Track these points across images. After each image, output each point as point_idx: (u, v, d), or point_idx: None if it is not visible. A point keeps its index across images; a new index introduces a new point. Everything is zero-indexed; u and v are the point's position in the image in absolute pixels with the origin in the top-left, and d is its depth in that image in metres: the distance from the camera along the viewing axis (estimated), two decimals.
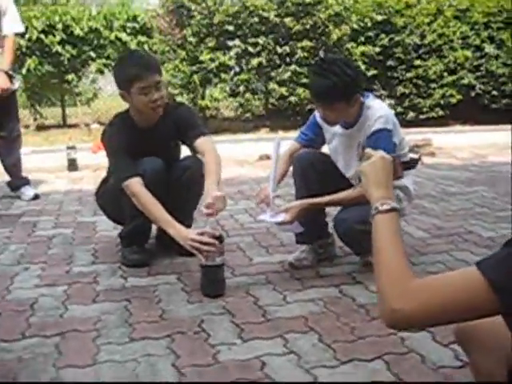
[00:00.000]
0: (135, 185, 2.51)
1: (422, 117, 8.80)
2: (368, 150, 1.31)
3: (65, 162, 5.82)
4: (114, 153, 2.64)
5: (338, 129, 2.60)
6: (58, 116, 9.28)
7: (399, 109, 8.69)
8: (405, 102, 8.70)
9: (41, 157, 6.29)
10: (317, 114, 2.68)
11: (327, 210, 2.80)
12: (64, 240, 3.26)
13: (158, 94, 2.58)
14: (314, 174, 2.62)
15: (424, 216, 3.58)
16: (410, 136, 5.39)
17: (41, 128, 8.81)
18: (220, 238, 2.29)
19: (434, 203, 3.94)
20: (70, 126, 8.71)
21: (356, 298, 2.28)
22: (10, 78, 4.18)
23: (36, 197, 4.43)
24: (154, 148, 2.70)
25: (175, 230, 2.39)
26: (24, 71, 8.18)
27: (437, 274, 1.06)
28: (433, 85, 8.72)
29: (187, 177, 2.73)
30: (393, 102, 8.63)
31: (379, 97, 8.42)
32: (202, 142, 2.66)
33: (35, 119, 8.96)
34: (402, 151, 2.58)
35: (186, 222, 2.70)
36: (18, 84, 4.33)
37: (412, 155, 5.98)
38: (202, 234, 2.28)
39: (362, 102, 2.48)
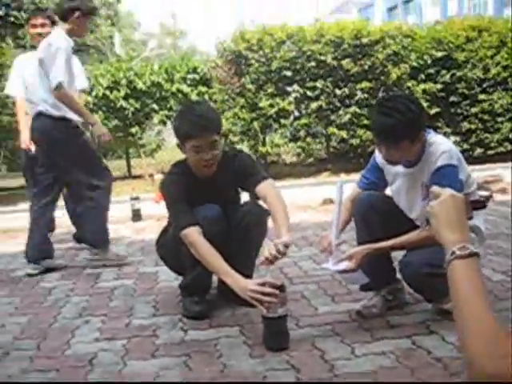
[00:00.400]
0: (193, 234, 2.45)
1: (489, 152, 8.45)
2: (435, 188, 1.20)
3: (129, 212, 5.91)
4: (172, 202, 2.61)
5: (399, 169, 2.47)
6: (124, 168, 9.54)
7: (465, 145, 8.39)
8: (471, 138, 8.40)
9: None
10: (377, 156, 2.56)
11: (394, 254, 2.64)
12: (125, 291, 3.23)
13: (211, 154, 2.53)
14: (376, 216, 2.48)
15: (500, 257, 3.33)
16: (479, 173, 5.15)
17: None
18: (282, 288, 2.17)
19: (508, 242, 3.67)
20: (135, 177, 8.92)
21: (431, 351, 2.09)
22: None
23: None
24: (213, 196, 2.65)
25: (234, 280, 2.30)
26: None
27: None
28: (500, 118, 8.39)
29: (246, 223, 2.65)
30: (458, 138, 8.35)
31: (444, 134, 8.17)
32: (263, 187, 2.59)
33: None
34: (470, 189, 2.41)
35: (247, 271, 2.61)
36: None
37: (482, 193, 5.68)
38: (262, 284, 2.17)
39: (424, 139, 2.36)
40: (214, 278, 2.84)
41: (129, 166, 9.15)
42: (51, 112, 3.72)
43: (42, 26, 4.27)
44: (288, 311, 2.30)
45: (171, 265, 2.91)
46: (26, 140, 4.39)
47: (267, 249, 2.22)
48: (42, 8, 5.09)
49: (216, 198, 2.64)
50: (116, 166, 9.85)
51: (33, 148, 4.29)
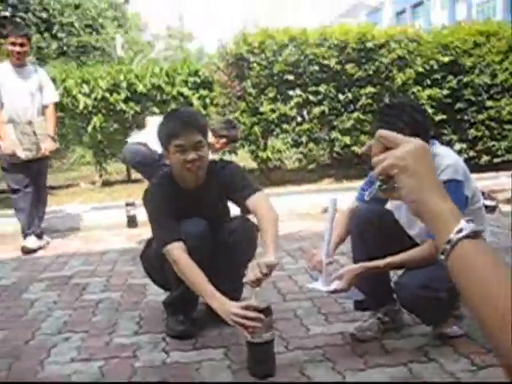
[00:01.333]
0: (176, 251, 2.29)
1: (496, 160, 8.24)
2: (385, 132, 0.85)
3: (125, 218, 5.76)
4: (155, 216, 2.46)
5: None
6: (123, 171, 9.39)
7: (472, 153, 8.19)
8: (477, 146, 8.19)
9: (102, 213, 6.27)
10: None
11: (392, 272, 2.48)
12: (110, 305, 3.08)
13: (195, 154, 2.39)
14: (373, 231, 2.32)
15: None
16: (485, 182, 4.97)
17: (106, 184, 8.92)
18: (267, 311, 2.01)
19: None
20: (134, 181, 8.77)
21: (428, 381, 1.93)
22: (54, 141, 4.98)
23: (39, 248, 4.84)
24: (200, 210, 2.49)
25: (217, 302, 2.14)
26: (90, 129, 8.35)
27: None
28: (507, 126, 8.18)
29: (234, 240, 2.49)
30: (464, 146, 8.15)
31: (449, 142, 7.98)
32: (254, 200, 2.42)
33: (101, 175, 9.09)
34: (476, 205, 2.24)
35: (234, 291, 2.46)
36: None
37: (488, 202, 5.50)
38: (246, 307, 2.01)
39: None
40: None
41: (128, 169, 8.99)
42: None
43: (21, 45, 4.70)
44: (276, 334, 2.14)
45: (156, 280, 2.76)
46: (9, 146, 4.72)
47: (250, 270, 2.06)
48: (22, 27, 5.34)
49: (202, 212, 2.49)
50: (115, 169, 9.71)
51: (20, 153, 4.72)
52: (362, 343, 2.30)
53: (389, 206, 2.48)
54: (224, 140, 4.53)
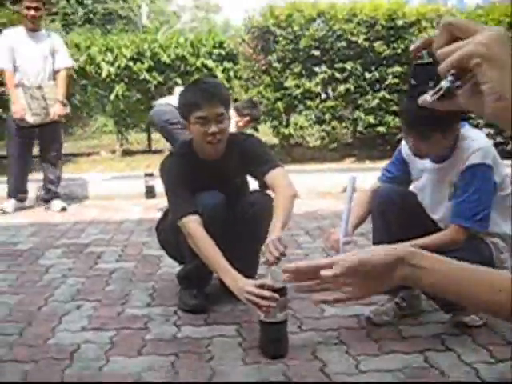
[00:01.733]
0: (192, 224, 2.24)
1: None
2: (455, 20, 0.71)
3: (143, 188, 5.74)
4: (171, 187, 2.40)
5: (427, 163, 2.22)
6: (144, 141, 9.37)
7: (499, 138, 7.99)
8: (505, 132, 7.99)
9: (121, 183, 6.26)
10: (403, 148, 2.32)
11: None
12: (124, 275, 3.06)
13: (216, 127, 2.31)
14: (395, 212, 2.22)
15: None
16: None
17: (126, 153, 8.92)
18: (282, 291, 1.95)
19: None
20: (155, 152, 8.74)
21: (445, 371, 1.86)
22: (64, 105, 4.96)
23: (63, 209, 5.06)
24: (218, 182, 2.43)
25: (231, 279, 2.09)
26: (112, 97, 8.31)
27: None
28: None
29: (252, 214, 2.42)
30: (492, 131, 7.94)
31: (476, 126, 7.78)
32: (273, 176, 2.36)
33: (121, 145, 9.08)
34: (505, 191, 2.15)
35: (249, 268, 2.41)
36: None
37: None
38: (261, 286, 1.96)
39: (458, 132, 2.10)
40: None
41: (149, 139, 8.96)
42: None
43: (36, 9, 4.71)
44: (289, 314, 2.09)
45: (170, 252, 2.72)
46: (19, 111, 4.76)
47: (267, 250, 2.00)
48: None
49: (221, 185, 2.42)
50: (136, 139, 9.69)
51: (28, 118, 4.79)
52: (377, 327, 2.24)
53: (411, 188, 2.40)
54: (247, 118, 4.74)
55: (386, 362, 1.95)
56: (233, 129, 4.72)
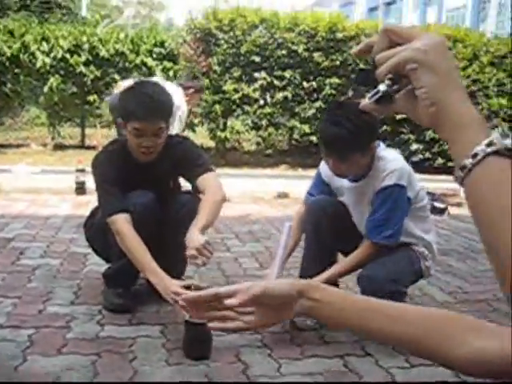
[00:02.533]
0: (120, 222, 2.21)
1: (451, 164, 8.41)
2: (393, 25, 0.72)
3: (74, 184, 5.59)
4: (102, 183, 2.36)
5: (345, 182, 2.30)
6: (78, 136, 9.14)
7: (427, 154, 8.33)
8: (434, 148, 8.33)
9: (51, 177, 6.07)
10: (322, 169, 2.40)
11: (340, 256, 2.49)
12: (48, 272, 2.97)
13: (151, 141, 2.29)
14: (327, 221, 2.31)
15: (449, 276, 3.20)
16: (438, 184, 5.05)
17: (58, 147, 8.66)
18: None
19: (461, 261, 3.57)
20: (88, 148, 8.54)
21: (363, 375, 1.93)
22: None
23: None
24: (150, 183, 2.41)
25: (158, 278, 2.08)
26: (46, 89, 8.06)
27: None
28: None
29: (182, 216, 2.41)
30: (421, 146, 8.28)
31: (406, 141, 8.08)
32: (204, 179, 2.36)
33: (53, 138, 8.81)
34: (419, 204, 2.26)
35: (176, 269, 2.41)
36: None
37: (438, 204, 5.58)
38: (187, 287, 1.96)
39: (374, 151, 2.18)
40: None
41: (83, 135, 8.75)
42: None
43: None
44: None
45: (98, 250, 2.67)
46: None
47: (191, 249, 2.02)
48: None
49: (153, 185, 2.41)
50: (69, 133, 9.43)
51: None
52: (301, 332, 2.29)
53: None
54: (192, 91, 5.36)
55: (307, 365, 1.99)
56: (183, 104, 5.16)
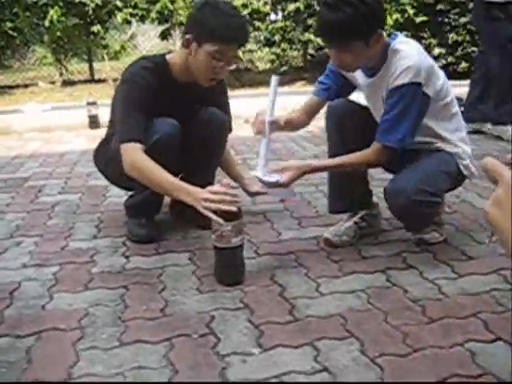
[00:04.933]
0: (132, 150, 2.07)
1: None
2: (489, 163, 0.68)
3: (86, 118, 5.43)
4: (127, 102, 2.15)
5: (360, 79, 2.09)
6: (86, 71, 8.86)
7: (450, 58, 7.93)
8: (457, 51, 7.90)
9: (62, 113, 5.91)
10: None
11: (371, 172, 2.33)
12: (68, 208, 2.86)
13: (226, 68, 2.17)
14: (351, 127, 2.12)
15: (486, 181, 3.00)
16: (464, 89, 4.77)
17: (67, 84, 8.43)
18: (237, 214, 1.81)
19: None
20: (98, 82, 8.30)
21: (408, 289, 1.80)
22: None
23: None
24: (180, 107, 2.26)
25: (185, 193, 1.92)
26: (47, 23, 7.73)
27: None
28: None
29: (206, 135, 2.30)
30: (443, 51, 7.86)
31: (428, 45, 7.67)
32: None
33: (61, 74, 8.56)
34: (444, 101, 2.01)
35: (206, 185, 2.26)
36: None
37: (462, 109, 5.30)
38: (215, 192, 1.84)
39: (387, 43, 1.93)
40: (167, 198, 2.49)
41: (91, 68, 8.47)
42: None
43: None
44: (245, 239, 1.97)
45: (116, 180, 2.52)
46: None
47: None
48: None
49: (182, 109, 2.27)
50: (77, 68, 9.15)
51: None
52: (337, 249, 2.16)
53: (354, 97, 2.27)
54: None
55: (347, 283, 1.87)
56: None
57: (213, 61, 2.10)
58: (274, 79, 2.03)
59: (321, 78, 2.24)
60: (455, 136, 2.07)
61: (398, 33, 2.04)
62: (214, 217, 1.80)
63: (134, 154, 2.05)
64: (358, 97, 2.22)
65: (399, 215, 2.04)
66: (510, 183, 0.63)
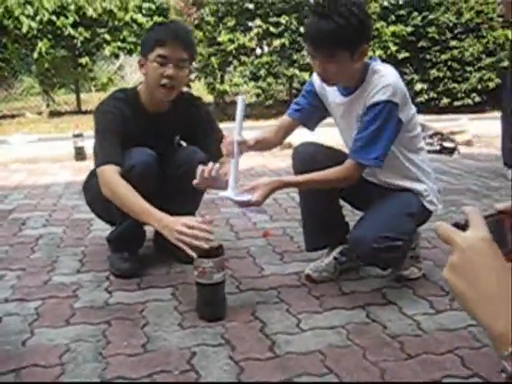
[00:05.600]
0: (108, 172, 2.10)
1: (456, 103, 8.18)
2: (442, 227, 0.68)
3: (72, 150, 5.46)
4: (103, 131, 2.21)
5: (335, 97, 2.12)
6: (73, 102, 8.93)
7: (432, 94, 8.11)
8: (438, 87, 8.10)
9: (49, 145, 5.93)
10: (315, 81, 2.19)
11: (344, 206, 2.36)
12: (52, 241, 2.87)
13: (174, 71, 2.19)
14: (317, 168, 2.12)
15: (463, 214, 3.08)
16: (445, 123, 4.89)
17: (54, 114, 8.47)
18: (219, 250, 1.84)
19: (476, 200, 3.44)
20: (85, 113, 8.35)
21: (387, 325, 1.83)
22: None
23: None
24: (155, 137, 2.29)
25: (156, 220, 1.94)
26: (36, 55, 7.81)
27: None
28: (469, 68, 8.10)
29: (183, 172, 2.31)
30: (425, 86, 8.05)
31: (410, 81, 7.85)
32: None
33: (48, 105, 8.61)
34: (412, 133, 2.07)
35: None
36: None
37: (447, 144, 5.42)
38: (190, 226, 1.84)
39: (367, 63, 2.00)
40: (150, 229, 2.50)
41: (78, 99, 8.54)
42: None
43: None
44: (227, 274, 1.99)
45: (99, 213, 2.55)
46: None
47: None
48: None
49: (157, 140, 2.29)
50: (64, 99, 9.21)
51: None
52: (318, 284, 2.19)
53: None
54: None
55: (327, 318, 1.89)
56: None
57: (159, 67, 2.19)
58: (241, 99, 2.04)
59: (297, 99, 2.29)
60: (420, 171, 2.11)
61: (377, 58, 2.10)
62: (187, 249, 1.82)
63: (109, 175, 2.09)
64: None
65: (364, 261, 2.10)
66: (463, 247, 0.65)
